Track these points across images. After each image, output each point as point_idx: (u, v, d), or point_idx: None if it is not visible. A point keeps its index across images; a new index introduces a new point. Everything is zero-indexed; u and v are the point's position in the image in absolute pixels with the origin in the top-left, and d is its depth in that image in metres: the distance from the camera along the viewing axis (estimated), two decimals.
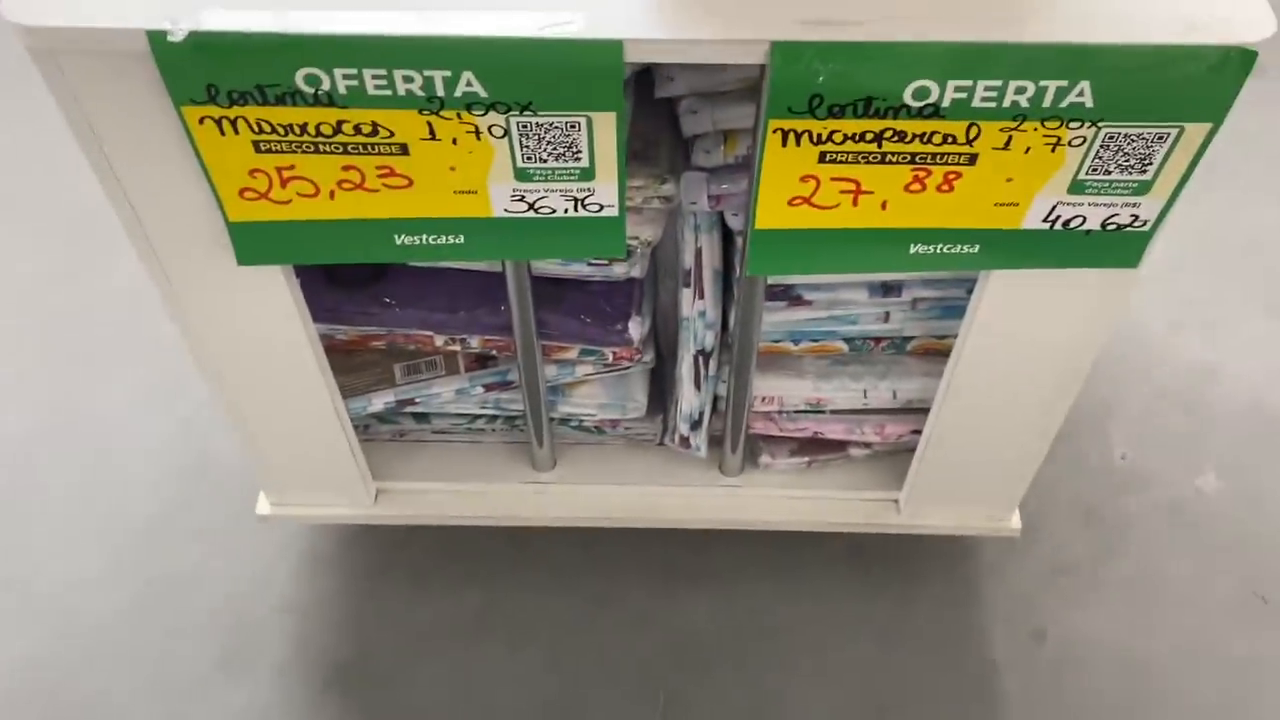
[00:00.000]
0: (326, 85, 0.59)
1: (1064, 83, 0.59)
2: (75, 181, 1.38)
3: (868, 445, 0.96)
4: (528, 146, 0.64)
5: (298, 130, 0.62)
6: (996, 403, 0.85)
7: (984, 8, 0.59)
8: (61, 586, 1.09)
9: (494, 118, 0.61)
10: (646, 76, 0.75)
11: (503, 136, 0.63)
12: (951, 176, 0.65)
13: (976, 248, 0.71)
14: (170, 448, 1.19)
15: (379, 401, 0.92)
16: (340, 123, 0.61)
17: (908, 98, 0.60)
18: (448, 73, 0.59)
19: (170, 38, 0.57)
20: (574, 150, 0.64)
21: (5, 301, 1.32)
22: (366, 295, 0.85)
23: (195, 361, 0.82)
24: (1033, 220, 0.68)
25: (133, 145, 0.65)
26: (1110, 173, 0.65)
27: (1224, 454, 1.20)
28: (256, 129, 0.62)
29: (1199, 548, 1.13)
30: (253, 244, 0.70)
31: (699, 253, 0.82)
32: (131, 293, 1.30)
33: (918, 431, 0.92)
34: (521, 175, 0.66)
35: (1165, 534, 1.14)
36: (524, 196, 0.68)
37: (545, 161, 0.65)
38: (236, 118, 0.61)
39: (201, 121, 0.61)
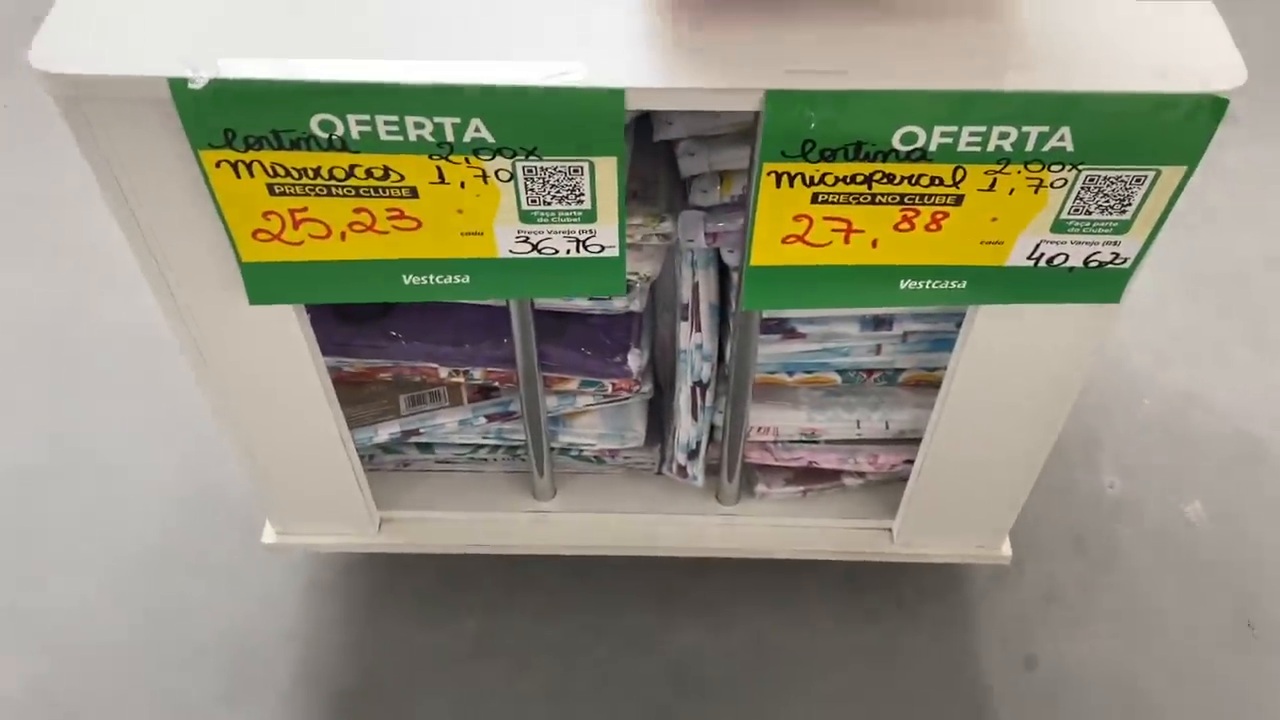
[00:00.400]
0: (340, 131, 0.62)
1: (1045, 128, 0.62)
2: (85, 218, 1.43)
3: (861, 475, 0.98)
4: (532, 190, 0.66)
5: (311, 174, 0.64)
6: (986, 433, 0.88)
7: (968, 57, 0.62)
8: (65, 616, 1.11)
9: (500, 162, 0.64)
10: (645, 120, 0.78)
11: (509, 180, 0.65)
12: (939, 216, 0.68)
13: (964, 284, 0.73)
14: (173, 479, 1.21)
15: (384, 432, 0.95)
16: (353, 167, 0.64)
17: (896, 142, 0.62)
18: (457, 119, 0.61)
19: (191, 85, 0.59)
20: (577, 193, 0.67)
21: (13, 333, 1.34)
22: (375, 329, 0.88)
23: (206, 395, 0.84)
24: (1017, 258, 0.71)
25: (151, 187, 0.67)
26: (1091, 213, 0.68)
27: (1210, 483, 1.22)
28: (271, 172, 0.64)
29: (1187, 575, 1.15)
30: (264, 284, 0.72)
31: (696, 287, 0.85)
32: (137, 327, 1.32)
33: (910, 461, 0.94)
34: (526, 217, 0.68)
35: (1154, 562, 1.16)
36: (528, 238, 0.70)
37: (549, 204, 0.67)
38: (252, 161, 0.63)
39: (218, 165, 0.64)
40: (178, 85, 0.59)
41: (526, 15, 0.64)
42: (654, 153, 0.80)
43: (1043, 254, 0.71)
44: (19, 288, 1.38)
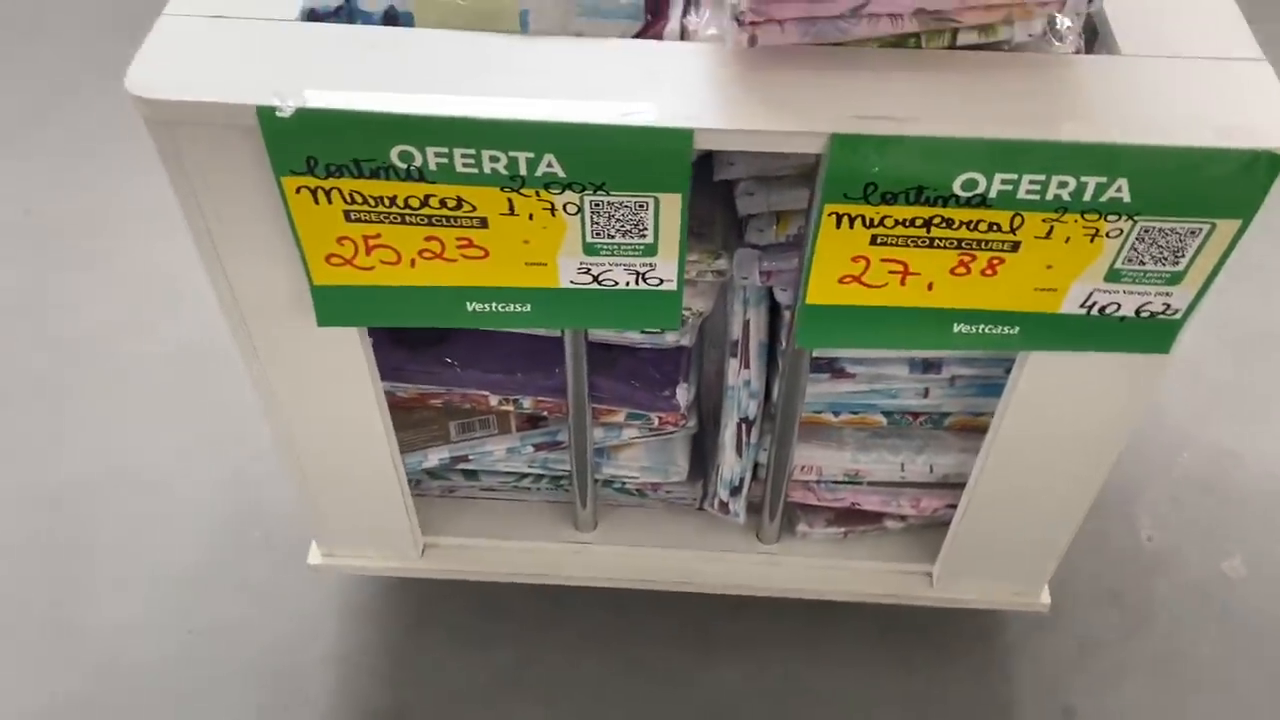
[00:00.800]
0: (418, 162, 0.64)
1: (1103, 179, 0.63)
2: (145, 236, 1.46)
3: (903, 518, 0.99)
4: (598, 223, 0.68)
5: (387, 202, 0.66)
6: (1030, 480, 0.88)
7: (1030, 106, 0.64)
8: (107, 631, 1.12)
9: (569, 196, 0.66)
10: (706, 159, 0.80)
11: (576, 214, 0.67)
12: (995, 262, 0.69)
13: (1016, 329, 0.74)
14: (219, 498, 1.23)
15: (434, 457, 0.96)
16: (427, 197, 0.66)
17: (957, 188, 0.64)
18: (531, 154, 0.63)
19: (279, 114, 0.62)
20: (640, 228, 0.69)
21: (70, 348, 1.37)
22: (430, 355, 0.90)
23: (264, 415, 0.86)
24: (1070, 305, 0.72)
25: (230, 208, 0.70)
26: (1145, 263, 0.69)
27: (1250, 539, 1.22)
28: (349, 200, 0.66)
29: (1226, 630, 1.15)
30: (333, 306, 0.74)
31: (747, 324, 0.86)
32: (190, 346, 1.35)
33: (952, 506, 0.95)
34: (590, 250, 0.70)
35: (1192, 616, 1.16)
36: (590, 269, 0.72)
37: (613, 237, 0.69)
38: (331, 188, 0.66)
39: (298, 191, 0.66)
40: (265, 113, 0.62)
41: (599, 57, 0.67)
42: (711, 191, 0.82)
43: (1095, 302, 0.72)
44: (76, 303, 1.42)
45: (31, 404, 1.31)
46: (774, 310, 0.87)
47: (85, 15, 1.82)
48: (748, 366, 0.88)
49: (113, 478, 1.25)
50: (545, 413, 0.95)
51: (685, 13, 0.70)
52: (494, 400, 0.94)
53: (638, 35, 0.69)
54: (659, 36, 0.69)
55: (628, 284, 0.73)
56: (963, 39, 0.66)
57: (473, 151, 0.63)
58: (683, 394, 0.91)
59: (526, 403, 0.94)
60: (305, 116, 0.62)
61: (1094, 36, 0.72)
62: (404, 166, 0.64)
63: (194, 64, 0.65)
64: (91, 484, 1.24)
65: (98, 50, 1.73)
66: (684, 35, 0.69)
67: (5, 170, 1.57)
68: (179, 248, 1.41)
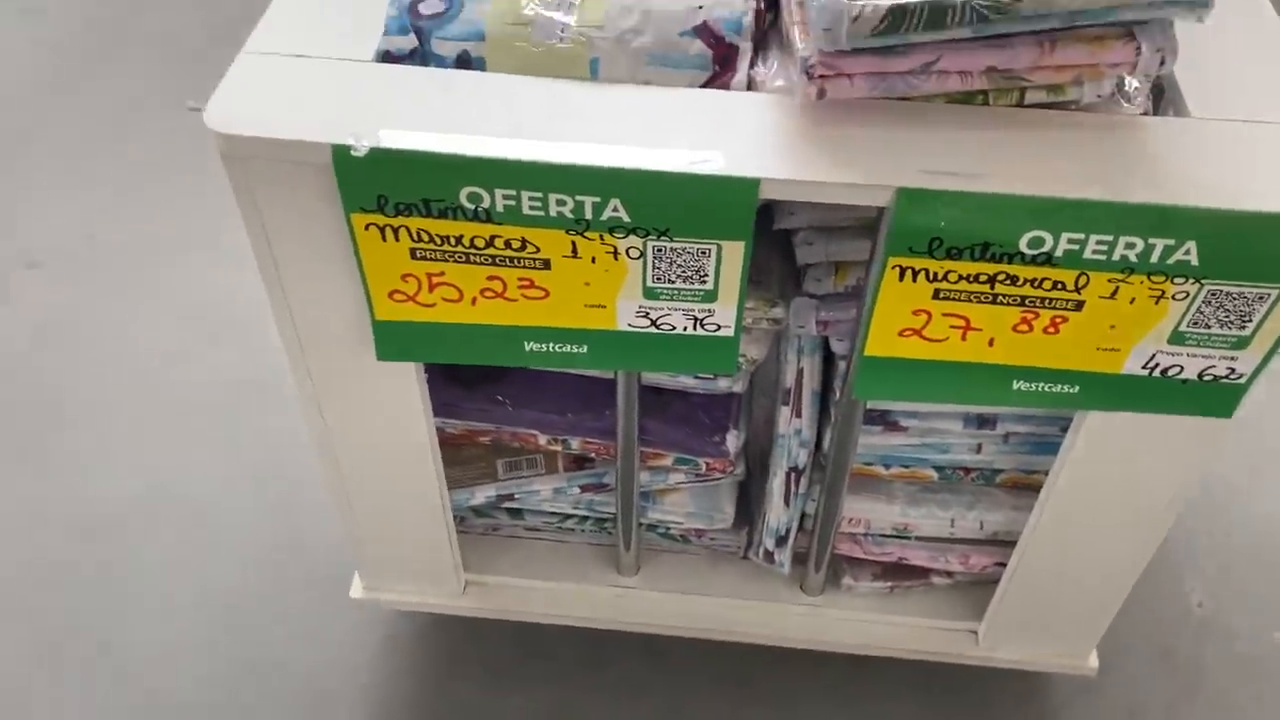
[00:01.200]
0: (486, 203, 0.65)
1: (1171, 241, 0.63)
2: (202, 267, 1.49)
3: (950, 574, 0.98)
4: (659, 268, 0.69)
5: (453, 241, 0.67)
6: (1083, 542, 0.87)
7: (1099, 165, 0.64)
8: (147, 655, 1.13)
9: (633, 240, 0.67)
10: (764, 207, 0.80)
11: (638, 258, 0.68)
12: (1058, 320, 0.69)
13: (1076, 388, 0.74)
14: (262, 527, 1.24)
15: (481, 495, 0.96)
16: (493, 237, 0.67)
17: (1023, 245, 0.64)
18: (598, 199, 0.64)
19: (353, 152, 0.63)
20: (701, 274, 0.69)
21: (122, 373, 1.39)
22: (482, 393, 0.90)
23: (315, 445, 0.86)
24: (1132, 366, 0.72)
25: (297, 242, 0.71)
26: (1210, 327, 0.68)
27: None
28: (416, 238, 0.67)
29: (1277, 701, 1.12)
30: (394, 342, 0.75)
31: (800, 373, 0.86)
32: (238, 375, 1.36)
33: (1001, 564, 0.94)
34: (649, 294, 0.71)
35: (1242, 684, 1.13)
36: (648, 313, 0.72)
37: (673, 282, 0.70)
38: (400, 226, 0.67)
39: (367, 228, 0.67)
40: (340, 151, 0.63)
41: (668, 105, 0.67)
42: (769, 239, 0.82)
43: (1158, 364, 0.71)
44: (129, 328, 1.44)
45: (80, 427, 1.33)
46: (828, 358, 0.87)
47: (155, 45, 1.87)
48: (800, 415, 0.87)
49: (158, 503, 1.26)
50: (593, 454, 0.95)
51: (753, 64, 0.70)
52: (543, 439, 0.94)
53: (705, 85, 0.69)
54: (726, 87, 0.69)
55: (685, 329, 0.73)
56: (1030, 97, 0.66)
57: (540, 195, 0.64)
58: (733, 441, 0.91)
59: (575, 443, 0.94)
60: (378, 156, 0.63)
61: (1159, 94, 0.72)
62: (472, 207, 0.65)
63: (272, 101, 0.66)
64: (136, 509, 1.25)
65: (165, 79, 1.78)
66: (751, 86, 0.70)
67: (73, 196, 1.61)
68: (233, 277, 1.45)
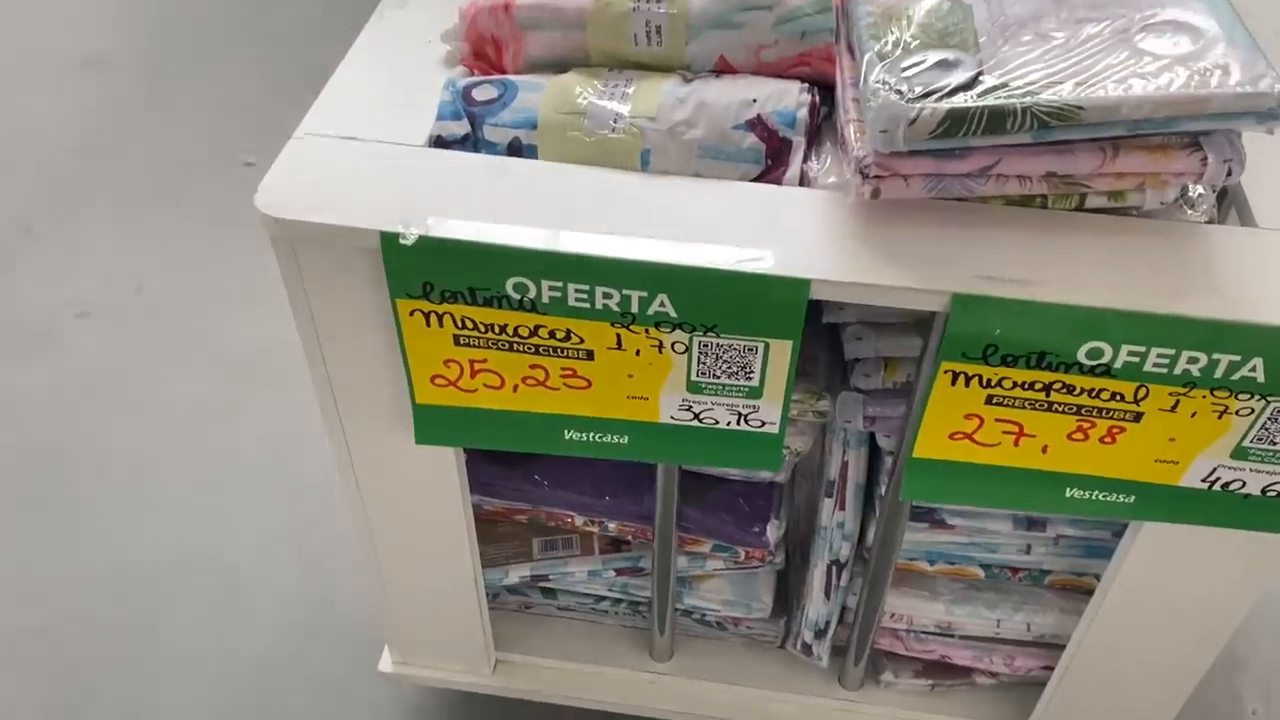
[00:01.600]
0: (532, 293, 0.64)
1: (1237, 357, 0.61)
2: (246, 321, 1.50)
3: (994, 675, 0.94)
4: (704, 363, 0.67)
5: (497, 329, 0.67)
6: (1136, 651, 0.84)
7: (1161, 276, 0.62)
8: (174, 716, 1.12)
9: (679, 335, 0.66)
10: (814, 301, 0.79)
11: (683, 352, 0.67)
12: (1115, 430, 0.66)
13: (1132, 498, 0.71)
14: (293, 589, 1.23)
15: (515, 574, 0.95)
16: (537, 327, 0.66)
17: (1081, 356, 0.62)
18: (644, 293, 0.63)
19: (402, 240, 0.63)
20: (747, 370, 0.68)
21: (159, 428, 1.40)
22: (520, 473, 0.89)
23: (354, 523, 0.86)
24: (1191, 479, 0.69)
25: (342, 325, 0.71)
26: (1276, 443, 0.66)
27: None
28: (460, 325, 0.67)
29: None
30: (433, 425, 0.74)
31: (845, 466, 0.84)
32: (277, 431, 1.37)
33: (1049, 667, 0.90)
34: (693, 388, 0.69)
35: None
36: (691, 407, 0.71)
37: (718, 378, 0.68)
38: (444, 313, 0.66)
39: (412, 314, 0.66)
40: (389, 239, 0.63)
41: (719, 199, 0.67)
42: (817, 329, 0.81)
43: (1219, 478, 0.69)
44: (171, 381, 1.45)
45: (115, 479, 1.34)
46: (873, 450, 0.85)
47: (218, 97, 1.91)
48: (843, 508, 0.85)
49: (190, 559, 1.25)
50: (630, 537, 0.94)
51: (806, 159, 0.69)
52: (579, 520, 0.92)
53: (757, 179, 0.69)
54: (779, 181, 0.69)
55: (729, 424, 0.72)
56: (1091, 202, 0.65)
57: (586, 287, 0.63)
58: (773, 531, 0.89)
59: (612, 526, 0.92)
60: (426, 244, 0.63)
61: (1223, 198, 0.71)
62: (517, 297, 0.64)
63: (322, 185, 0.66)
64: (168, 563, 1.25)
65: (224, 132, 1.81)
66: (804, 181, 0.69)
67: (125, 246, 1.63)
68: (277, 333, 1.45)
